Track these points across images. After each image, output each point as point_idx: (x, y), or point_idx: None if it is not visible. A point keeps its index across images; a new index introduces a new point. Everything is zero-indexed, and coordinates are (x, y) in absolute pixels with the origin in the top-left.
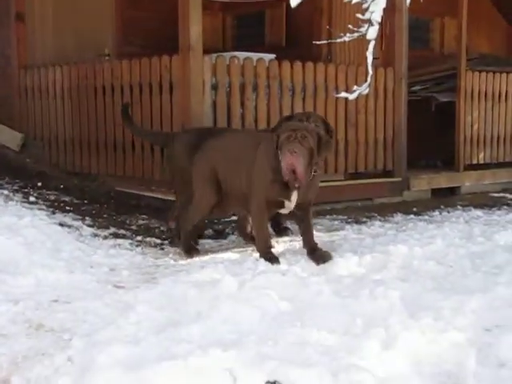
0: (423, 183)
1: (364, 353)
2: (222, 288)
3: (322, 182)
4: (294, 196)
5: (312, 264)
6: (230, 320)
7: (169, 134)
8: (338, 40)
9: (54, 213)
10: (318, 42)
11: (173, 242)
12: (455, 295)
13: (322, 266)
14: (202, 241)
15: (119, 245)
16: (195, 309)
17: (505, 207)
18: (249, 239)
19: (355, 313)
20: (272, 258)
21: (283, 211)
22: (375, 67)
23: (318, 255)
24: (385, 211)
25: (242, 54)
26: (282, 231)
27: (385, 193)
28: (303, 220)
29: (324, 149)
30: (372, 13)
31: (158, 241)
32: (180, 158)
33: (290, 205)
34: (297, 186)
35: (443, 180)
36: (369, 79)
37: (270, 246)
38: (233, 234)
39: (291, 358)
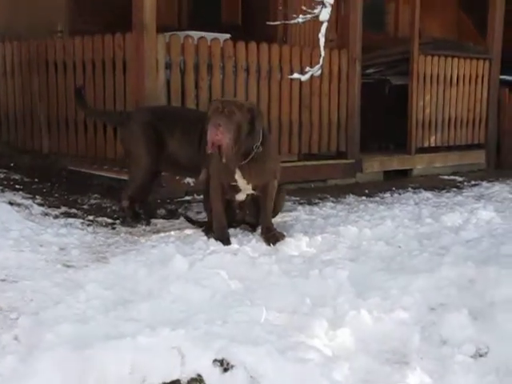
0: (376, 165)
1: (312, 331)
2: (172, 268)
3: None
4: (239, 177)
5: (263, 244)
6: (180, 299)
7: (123, 113)
8: (292, 21)
9: (3, 191)
10: (272, 23)
11: (124, 221)
12: (403, 275)
13: (273, 246)
14: (154, 220)
15: (70, 224)
16: (145, 288)
17: (454, 190)
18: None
19: (304, 292)
20: (224, 240)
21: (240, 196)
22: (329, 49)
23: (269, 236)
24: (337, 193)
25: (196, 34)
26: None
27: (338, 174)
28: (261, 199)
29: (258, 125)
30: None
31: (110, 220)
32: (135, 137)
33: (244, 187)
34: (224, 160)
35: (395, 162)
36: (321, 61)
37: (224, 227)
38: (185, 214)
39: (240, 336)
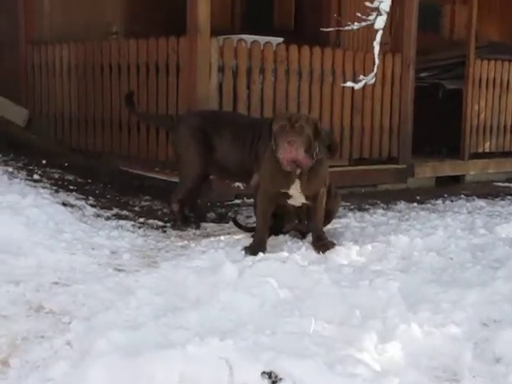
0: (428, 170)
1: (361, 344)
2: (222, 275)
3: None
4: (296, 186)
5: (313, 252)
6: (229, 308)
7: (174, 116)
8: (346, 28)
9: (57, 191)
10: (325, 30)
11: (175, 224)
12: (454, 288)
13: (322, 254)
14: (203, 224)
15: (121, 226)
16: (195, 295)
17: (508, 197)
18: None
19: (354, 303)
20: (252, 251)
21: (292, 202)
22: (383, 53)
23: (320, 245)
24: (388, 198)
25: (249, 37)
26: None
27: (389, 179)
28: (312, 207)
29: (320, 136)
30: (381, 2)
31: (160, 223)
32: (185, 141)
33: (296, 196)
34: (298, 172)
35: (448, 168)
36: (375, 69)
37: (260, 244)
38: (235, 218)
39: (288, 348)
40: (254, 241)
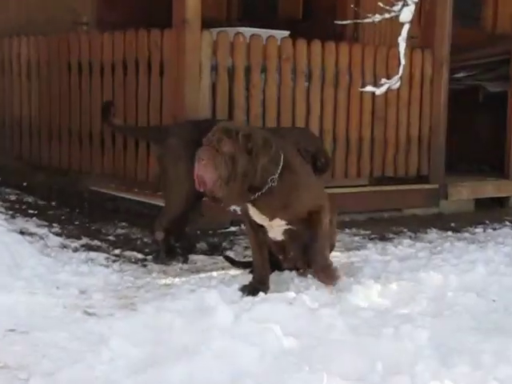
0: (465, 192)
1: None
2: (214, 319)
3: (341, 188)
4: (254, 213)
5: (325, 292)
6: (223, 360)
7: (160, 127)
8: (366, 20)
9: (13, 217)
10: (340, 22)
11: (158, 257)
12: (498, 337)
13: (336, 294)
14: (193, 257)
15: (92, 260)
16: (181, 344)
17: None
18: None
19: (375, 355)
20: (251, 290)
21: (273, 234)
22: (411, 49)
23: (326, 276)
24: (417, 226)
25: (248, 30)
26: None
27: (418, 202)
28: (310, 235)
29: (262, 156)
30: None
31: (140, 256)
32: (175, 156)
33: (265, 224)
34: (211, 201)
35: (490, 189)
36: (400, 71)
37: (260, 281)
38: (231, 249)
39: None
40: (253, 278)
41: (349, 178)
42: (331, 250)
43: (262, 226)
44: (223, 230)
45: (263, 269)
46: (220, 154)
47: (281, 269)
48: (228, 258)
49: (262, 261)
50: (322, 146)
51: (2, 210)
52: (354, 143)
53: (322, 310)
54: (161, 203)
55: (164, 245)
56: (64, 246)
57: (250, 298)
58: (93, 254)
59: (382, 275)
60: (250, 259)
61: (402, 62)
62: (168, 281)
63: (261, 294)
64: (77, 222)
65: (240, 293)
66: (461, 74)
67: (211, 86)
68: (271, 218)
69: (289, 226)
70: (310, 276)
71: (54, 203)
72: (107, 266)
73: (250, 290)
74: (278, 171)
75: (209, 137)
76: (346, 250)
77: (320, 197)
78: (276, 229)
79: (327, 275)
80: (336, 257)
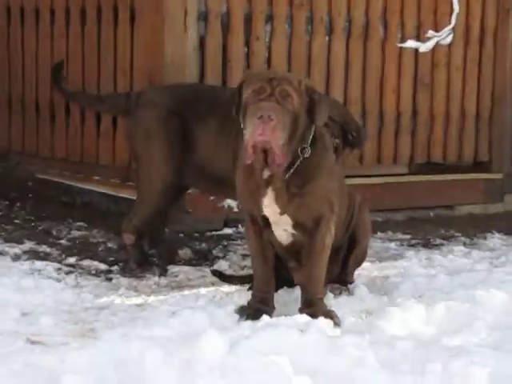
0: None
1: None
2: (202, 350)
3: (372, 177)
4: (269, 200)
5: (349, 316)
6: None
7: (130, 95)
8: None
9: None
10: None
11: (126, 268)
12: None
13: (365, 319)
14: (173, 268)
15: (39, 271)
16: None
17: None
18: None
19: None
20: (250, 313)
21: (276, 235)
22: None
23: (310, 313)
24: (473, 228)
25: None
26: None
27: (474, 198)
28: (307, 247)
29: (320, 114)
30: None
31: (103, 266)
32: (148, 132)
33: (275, 220)
34: (266, 175)
35: None
36: (453, 20)
37: (266, 292)
38: (224, 257)
39: None
40: (252, 296)
41: (382, 165)
42: (361, 261)
43: (267, 224)
44: (214, 233)
45: (267, 283)
46: (288, 111)
47: (291, 284)
48: (217, 273)
49: (265, 272)
50: (350, 114)
51: None
52: (389, 118)
53: (346, 339)
54: (132, 196)
55: (135, 251)
56: (0, 253)
57: (249, 323)
58: (39, 264)
59: (425, 294)
60: (249, 272)
61: (456, 8)
62: (140, 300)
63: (264, 317)
64: (18, 221)
65: (236, 316)
66: None
67: (199, 40)
68: (282, 212)
69: (293, 231)
70: (330, 294)
71: None
72: (59, 280)
73: (250, 312)
74: (309, 140)
75: (265, 87)
76: (378, 259)
77: (336, 195)
78: (282, 230)
79: (314, 314)
80: (365, 269)
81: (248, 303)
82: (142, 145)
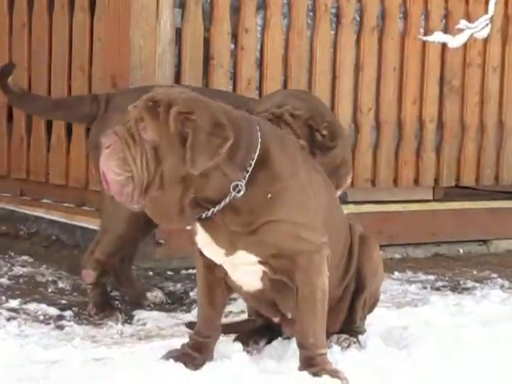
0: None
1: None
2: None
3: (386, 203)
4: (204, 239)
5: (360, 376)
6: None
7: (97, 97)
8: None
9: None
10: None
11: (85, 313)
12: None
13: (379, 379)
14: (140, 313)
15: None
16: None
17: None
18: None
19: None
20: (175, 356)
21: (240, 278)
22: None
23: (312, 373)
24: None
25: None
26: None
27: None
28: (295, 290)
29: (196, 154)
30: None
31: (54, 310)
32: None
33: (220, 260)
34: (135, 208)
35: None
36: (491, 8)
37: (201, 335)
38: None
39: None
40: (189, 338)
41: (400, 188)
42: (372, 307)
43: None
44: (191, 271)
45: (208, 328)
46: (137, 141)
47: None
48: (192, 326)
49: (208, 314)
50: (322, 108)
51: None
52: (409, 130)
53: None
54: (89, 224)
55: (95, 292)
56: None
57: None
58: None
59: (453, 349)
60: (236, 319)
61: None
62: (99, 353)
63: (263, 376)
64: None
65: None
66: None
67: (175, 32)
68: (232, 251)
69: (264, 268)
70: (337, 347)
71: None
72: None
73: (176, 355)
74: (248, 172)
75: (130, 109)
76: (395, 306)
77: (315, 228)
78: (243, 270)
79: (316, 374)
80: (380, 317)
81: (181, 345)
82: None
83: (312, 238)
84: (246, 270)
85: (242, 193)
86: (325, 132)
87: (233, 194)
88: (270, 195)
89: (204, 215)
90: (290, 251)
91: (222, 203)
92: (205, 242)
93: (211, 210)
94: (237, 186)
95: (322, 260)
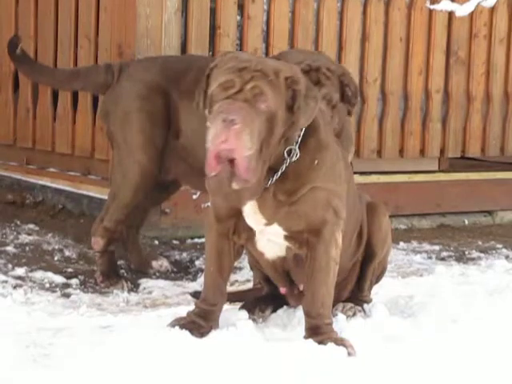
0: None
1: None
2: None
3: (392, 174)
4: (251, 211)
5: (365, 344)
6: None
7: (111, 66)
8: None
9: None
10: None
11: (92, 280)
12: None
13: (385, 347)
14: (146, 282)
15: None
16: None
17: None
18: None
19: None
20: (182, 324)
21: (261, 245)
22: None
23: (318, 341)
24: None
25: None
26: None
27: None
28: (307, 261)
29: (306, 113)
30: None
31: (59, 279)
32: (128, 111)
33: (258, 230)
34: (235, 187)
35: None
36: None
37: (208, 303)
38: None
39: None
40: (194, 306)
41: (406, 159)
42: (380, 276)
43: (248, 232)
44: (197, 240)
45: (215, 296)
46: (257, 112)
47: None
48: (199, 296)
49: (216, 282)
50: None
51: None
52: (415, 101)
53: (362, 373)
54: (95, 193)
55: (103, 260)
56: None
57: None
58: None
59: (460, 316)
60: (241, 288)
61: None
62: (105, 321)
63: (273, 345)
64: None
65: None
66: None
67: (181, 1)
68: (271, 222)
69: (287, 243)
70: (342, 316)
71: None
72: (4, 296)
73: (182, 323)
74: (300, 137)
75: (233, 81)
76: (401, 275)
77: (340, 198)
78: (268, 240)
79: (322, 342)
80: (385, 287)
81: (187, 313)
82: (119, 127)
83: (337, 207)
84: (274, 241)
85: (297, 157)
86: (353, 88)
87: (288, 160)
88: (316, 161)
89: (269, 183)
90: (316, 222)
91: (280, 170)
92: (251, 210)
93: (273, 177)
94: (290, 150)
95: (339, 234)
